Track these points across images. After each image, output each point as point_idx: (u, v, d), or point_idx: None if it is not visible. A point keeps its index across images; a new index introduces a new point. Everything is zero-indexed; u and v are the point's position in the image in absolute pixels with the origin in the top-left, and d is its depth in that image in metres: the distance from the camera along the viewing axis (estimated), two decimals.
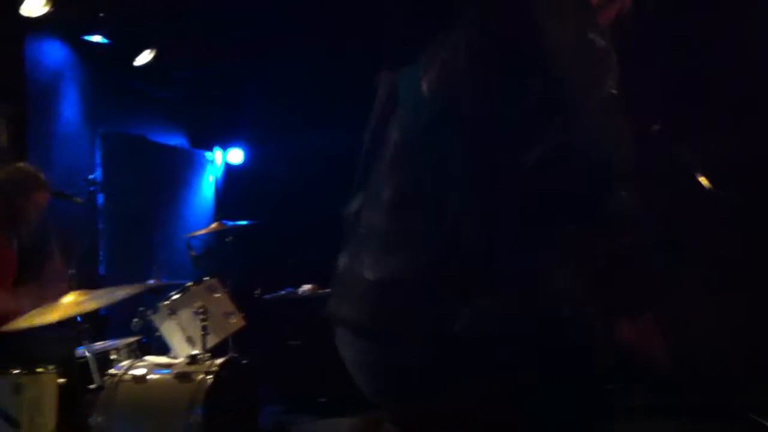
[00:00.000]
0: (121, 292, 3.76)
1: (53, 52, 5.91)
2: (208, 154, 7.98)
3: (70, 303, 3.54)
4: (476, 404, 1.52)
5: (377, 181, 1.69)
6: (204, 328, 4.20)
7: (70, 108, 6.00)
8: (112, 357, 4.14)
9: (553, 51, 1.54)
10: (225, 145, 8.12)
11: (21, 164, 4.28)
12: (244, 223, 5.42)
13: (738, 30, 4.96)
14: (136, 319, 4.41)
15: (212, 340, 4.32)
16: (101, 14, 5.58)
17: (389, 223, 1.62)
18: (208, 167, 7.96)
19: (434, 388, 1.55)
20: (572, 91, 1.54)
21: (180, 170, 7.53)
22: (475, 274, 1.51)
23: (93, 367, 3.79)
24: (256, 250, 6.85)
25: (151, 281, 4.60)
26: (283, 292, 6.60)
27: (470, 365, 1.52)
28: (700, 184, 4.66)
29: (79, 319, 3.75)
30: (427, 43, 1.66)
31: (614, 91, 1.57)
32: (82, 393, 3.81)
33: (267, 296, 6.57)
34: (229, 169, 8.15)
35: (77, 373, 3.83)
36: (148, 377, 3.78)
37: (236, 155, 8.12)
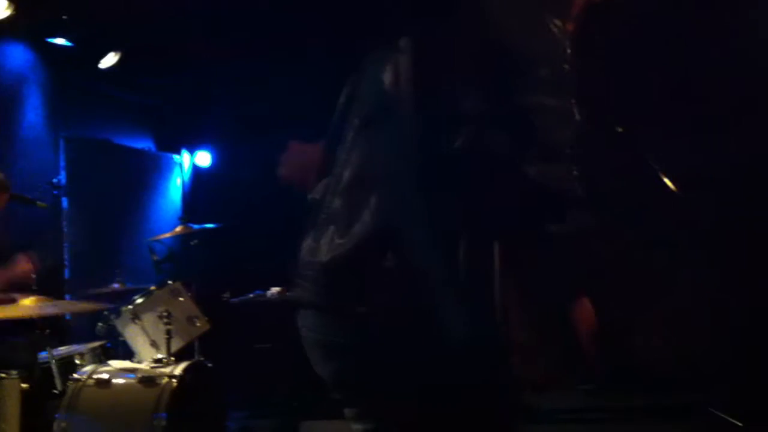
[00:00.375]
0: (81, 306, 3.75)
1: (16, 55, 5.85)
2: (175, 157, 7.93)
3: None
4: (423, 386, 1.58)
5: (339, 165, 1.76)
6: (168, 332, 4.19)
7: (33, 111, 5.94)
8: (77, 362, 4.13)
9: (511, 35, 1.59)
10: (192, 148, 8.07)
11: None
12: (210, 226, 5.40)
13: (736, 30, 5.04)
14: (100, 324, 4.40)
15: (177, 344, 4.31)
16: (65, 17, 5.53)
17: (344, 204, 1.69)
18: (176, 170, 7.92)
19: (382, 366, 1.61)
20: (515, 62, 1.58)
21: (147, 174, 7.48)
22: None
23: (56, 372, 3.77)
24: (224, 253, 6.82)
25: (115, 285, 4.59)
26: (251, 295, 6.58)
27: (416, 344, 1.58)
28: (665, 184, 4.72)
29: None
30: (395, 39, 1.71)
31: (566, 68, 1.61)
32: (45, 398, 3.79)
33: (234, 299, 6.56)
34: (197, 172, 8.11)
35: (40, 378, 3.80)
36: (112, 381, 3.76)
37: (204, 158, 8.08)
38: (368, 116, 1.73)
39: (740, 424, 4.56)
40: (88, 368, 3.89)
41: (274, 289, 6.44)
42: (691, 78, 5.34)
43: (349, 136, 1.76)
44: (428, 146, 1.60)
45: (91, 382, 3.75)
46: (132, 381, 3.77)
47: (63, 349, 4.23)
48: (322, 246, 1.68)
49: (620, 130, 5.10)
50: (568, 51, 1.65)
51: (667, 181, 4.75)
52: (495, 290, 1.64)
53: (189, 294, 4.54)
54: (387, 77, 1.68)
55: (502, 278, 1.65)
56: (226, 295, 6.56)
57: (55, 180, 5.27)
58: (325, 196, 1.76)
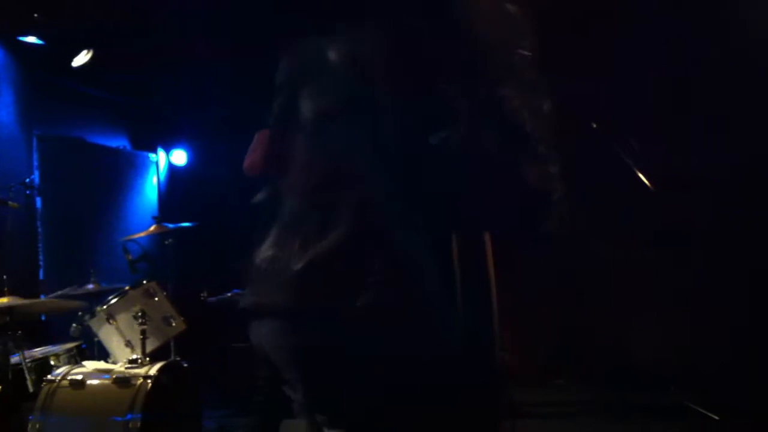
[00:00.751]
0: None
1: None
2: (151, 156, 7.88)
3: None
4: (405, 389, 1.51)
5: (297, 165, 1.67)
6: (143, 332, 4.16)
7: (5, 110, 5.87)
8: (51, 363, 4.10)
9: (467, 18, 1.55)
10: (168, 147, 8.02)
11: None
12: (185, 224, 5.36)
13: (736, 30, 5.07)
14: (74, 325, 4.37)
15: (152, 345, 4.29)
16: (36, 15, 5.47)
17: (313, 205, 1.61)
18: (152, 169, 7.87)
19: (356, 368, 1.53)
20: (486, 56, 1.55)
21: (122, 172, 7.43)
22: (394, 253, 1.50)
23: (27, 373, 3.74)
24: (201, 252, 6.79)
25: (90, 286, 4.55)
26: (229, 294, 6.55)
27: (389, 345, 1.51)
28: (640, 180, 4.73)
29: None
30: (340, 20, 1.65)
31: (528, 54, 1.58)
32: (19, 400, 3.76)
33: (212, 299, 6.52)
34: (172, 170, 8.06)
35: (14, 380, 3.77)
36: (87, 382, 3.74)
37: (180, 157, 8.03)
38: (328, 109, 1.66)
39: (717, 417, 4.60)
40: (63, 369, 3.86)
41: None
42: (690, 78, 5.38)
43: (303, 131, 1.67)
44: (411, 141, 1.54)
45: (65, 383, 3.72)
46: (107, 382, 3.74)
47: (38, 351, 4.21)
48: (289, 252, 1.59)
49: (594, 125, 5.10)
50: (530, 39, 1.61)
51: (642, 177, 4.76)
52: (488, 291, 1.61)
53: (164, 294, 4.51)
54: (350, 67, 1.61)
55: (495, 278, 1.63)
56: (204, 294, 6.52)
57: (28, 179, 5.20)
58: (281, 198, 1.68)
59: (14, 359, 3.84)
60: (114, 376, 3.74)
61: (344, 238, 1.54)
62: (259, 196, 1.76)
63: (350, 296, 1.52)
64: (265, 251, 1.67)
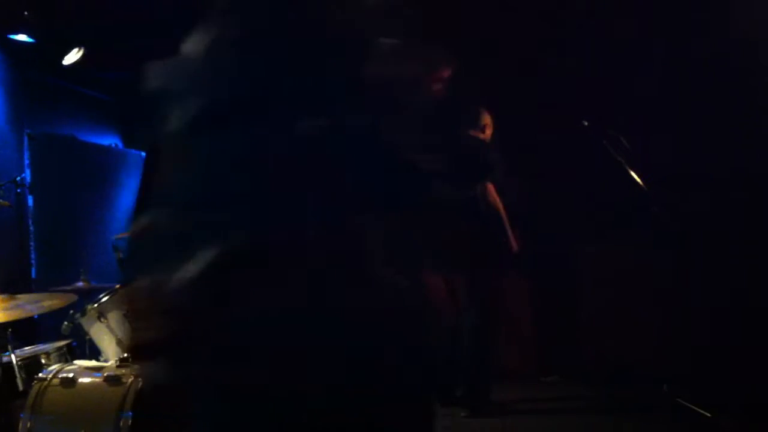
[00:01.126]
0: (47, 302, 3.71)
1: None
2: (143, 154, 7.87)
3: None
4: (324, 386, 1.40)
5: (165, 185, 1.54)
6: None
7: None
8: (42, 361, 4.10)
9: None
10: None
11: None
12: None
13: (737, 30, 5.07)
14: (65, 323, 4.36)
15: None
16: (26, 13, 5.46)
17: (183, 226, 1.45)
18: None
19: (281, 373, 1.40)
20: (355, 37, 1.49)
21: (113, 170, 7.41)
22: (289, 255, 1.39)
23: (17, 371, 3.74)
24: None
25: (80, 284, 4.54)
26: None
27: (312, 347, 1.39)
28: (631, 177, 4.73)
29: None
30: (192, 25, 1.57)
31: (391, 41, 1.53)
32: (10, 398, 3.75)
33: None
34: None
35: (3, 378, 3.76)
36: (78, 381, 3.72)
37: None
38: (200, 117, 1.49)
39: (709, 414, 4.60)
40: (53, 367, 3.85)
41: None
42: (690, 78, 5.38)
43: (175, 145, 1.53)
44: (294, 136, 1.44)
45: (56, 381, 3.70)
46: (97, 380, 3.73)
47: (28, 349, 4.20)
48: (166, 277, 1.42)
49: (586, 123, 5.10)
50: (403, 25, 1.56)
51: (635, 176, 4.76)
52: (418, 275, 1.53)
53: None
54: (201, 70, 1.52)
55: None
56: None
57: (19, 178, 5.19)
58: (148, 223, 1.51)
59: (4, 357, 3.84)
60: (105, 375, 3.73)
61: (212, 257, 1.38)
62: (129, 228, 1.64)
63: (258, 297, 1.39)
64: (147, 281, 1.50)
